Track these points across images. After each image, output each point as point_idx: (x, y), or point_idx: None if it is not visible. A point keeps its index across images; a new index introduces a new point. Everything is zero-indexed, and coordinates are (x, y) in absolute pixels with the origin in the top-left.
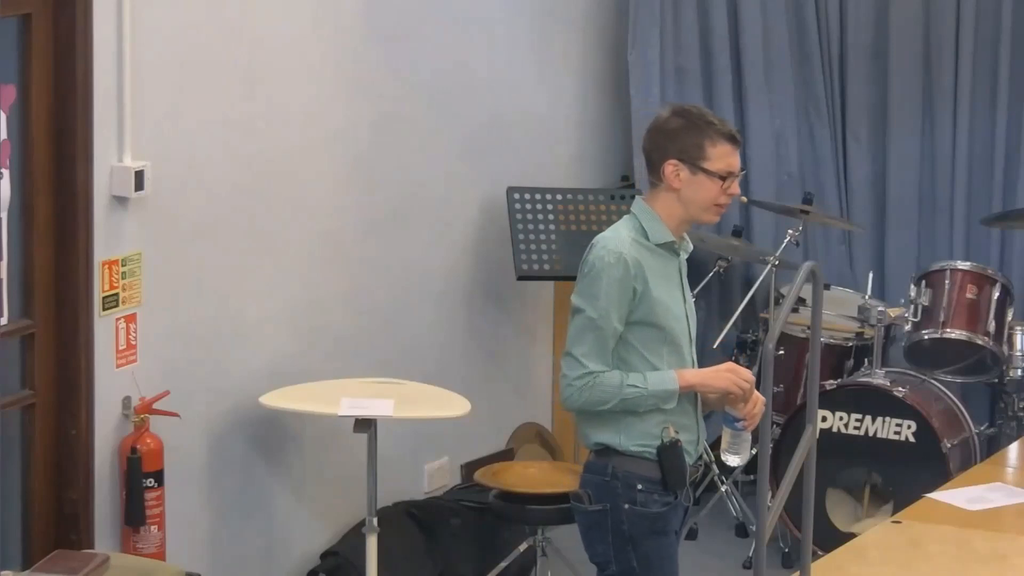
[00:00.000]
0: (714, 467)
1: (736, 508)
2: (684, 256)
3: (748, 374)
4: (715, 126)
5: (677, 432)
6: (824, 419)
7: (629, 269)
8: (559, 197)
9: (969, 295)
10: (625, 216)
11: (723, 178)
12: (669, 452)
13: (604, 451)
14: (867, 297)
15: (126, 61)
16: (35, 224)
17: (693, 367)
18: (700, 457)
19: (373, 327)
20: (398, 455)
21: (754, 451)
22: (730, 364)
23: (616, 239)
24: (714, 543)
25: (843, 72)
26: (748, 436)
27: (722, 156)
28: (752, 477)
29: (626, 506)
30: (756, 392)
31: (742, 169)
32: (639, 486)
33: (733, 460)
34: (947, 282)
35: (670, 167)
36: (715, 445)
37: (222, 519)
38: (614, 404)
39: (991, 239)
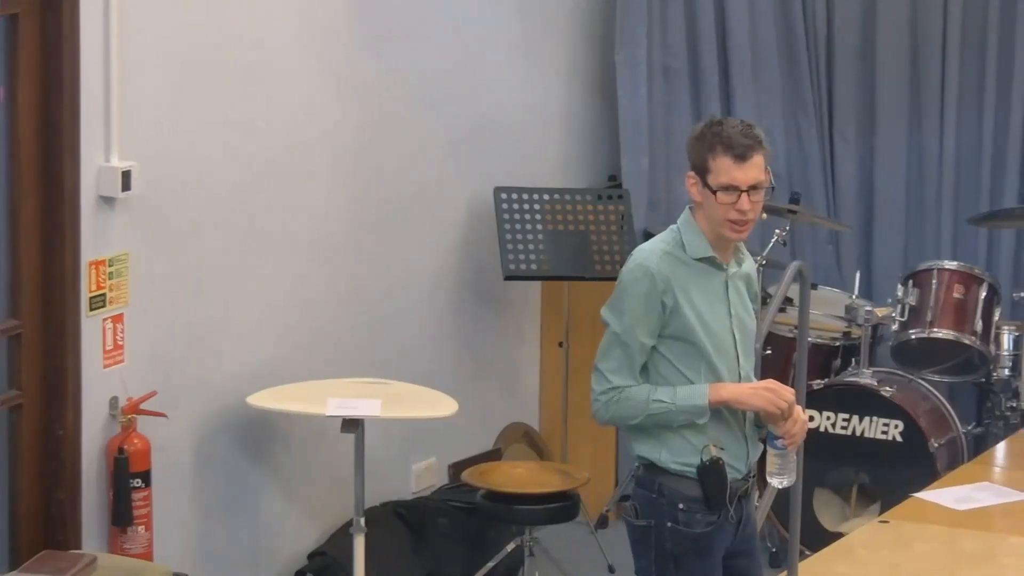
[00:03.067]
0: None
1: None
2: (736, 270)
3: (788, 393)
4: (720, 138)
5: (721, 449)
6: (811, 419)
7: (656, 284)
8: (546, 197)
9: (956, 295)
10: (672, 226)
11: (726, 192)
12: (710, 471)
13: (651, 467)
14: (854, 297)
15: (113, 61)
16: (22, 224)
17: (740, 382)
18: (750, 473)
19: (360, 327)
20: (386, 455)
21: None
22: (770, 382)
23: (648, 252)
24: None
25: (830, 72)
26: (793, 456)
27: (723, 170)
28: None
29: (669, 524)
30: (798, 410)
31: (770, 187)
32: (681, 505)
33: (775, 482)
34: (934, 282)
35: (689, 180)
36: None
37: (210, 519)
38: (642, 419)
39: (978, 238)
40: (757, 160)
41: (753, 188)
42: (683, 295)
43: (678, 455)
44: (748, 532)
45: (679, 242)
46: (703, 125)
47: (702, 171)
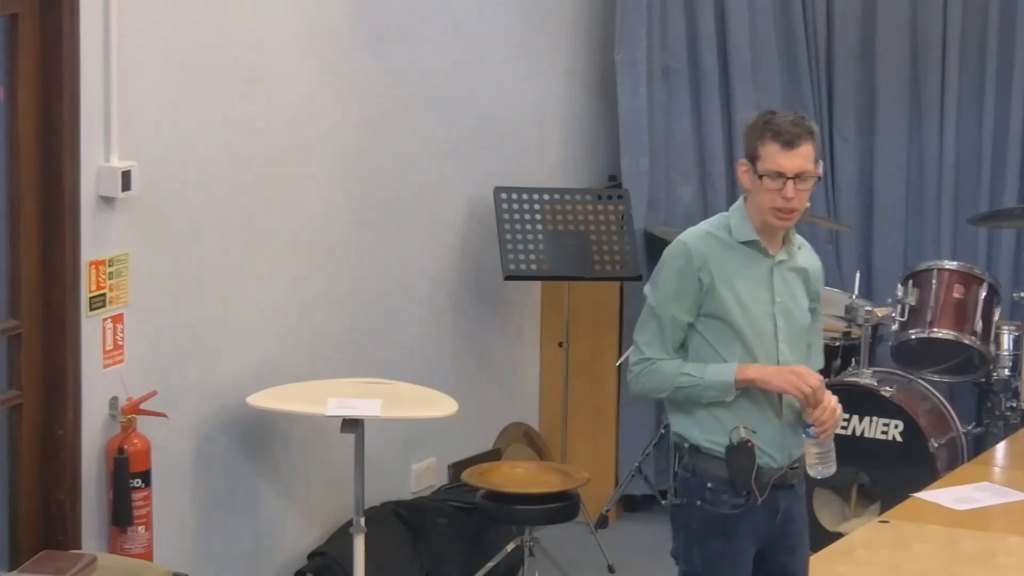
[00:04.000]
0: None
1: None
2: (786, 260)
3: (814, 379)
4: (770, 126)
5: (753, 432)
6: None
7: (692, 260)
8: (546, 197)
9: (956, 295)
10: (724, 212)
11: (772, 179)
12: (737, 452)
13: (689, 446)
14: (854, 297)
15: (113, 61)
16: (22, 224)
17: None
18: (792, 465)
19: (360, 327)
20: (385, 455)
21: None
22: (798, 367)
23: (691, 232)
24: None
25: (830, 72)
26: (829, 446)
27: (770, 157)
28: None
29: (698, 503)
30: (829, 398)
31: (818, 177)
32: (709, 484)
33: (813, 472)
34: (934, 282)
35: (741, 167)
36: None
37: (209, 519)
38: (670, 392)
39: (978, 238)
40: (805, 150)
41: (799, 177)
42: (721, 275)
43: (708, 433)
44: (792, 527)
45: (726, 225)
46: (757, 114)
47: (752, 158)
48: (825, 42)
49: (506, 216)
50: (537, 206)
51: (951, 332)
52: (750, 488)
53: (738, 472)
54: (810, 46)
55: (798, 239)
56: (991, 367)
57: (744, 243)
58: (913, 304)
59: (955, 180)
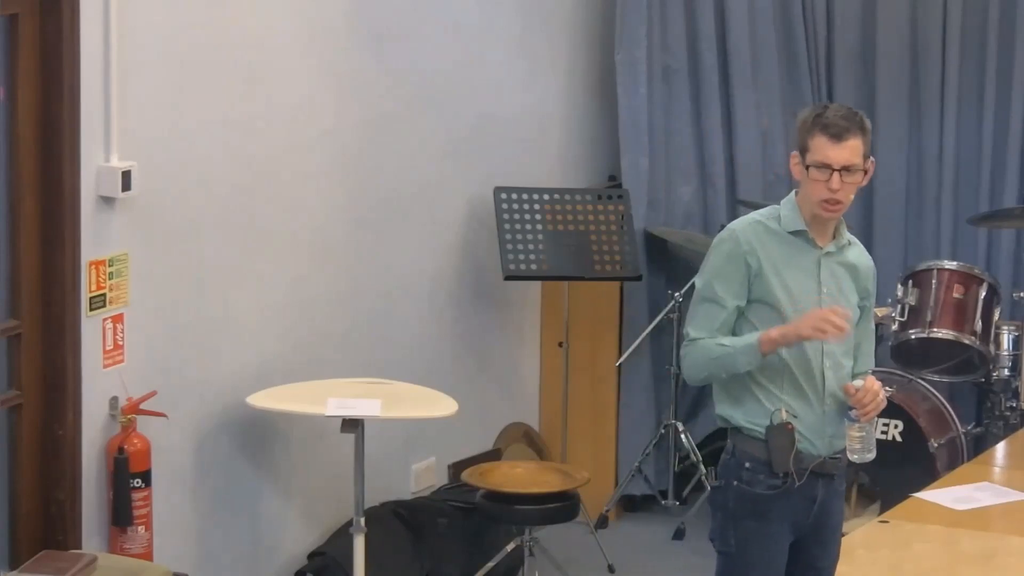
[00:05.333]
0: (701, 467)
1: None
2: (834, 252)
3: (837, 318)
4: (820, 118)
5: (794, 416)
6: None
7: (740, 245)
8: (546, 197)
9: (956, 295)
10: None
11: (819, 170)
12: (776, 432)
13: (731, 429)
14: None
15: (113, 61)
16: (22, 224)
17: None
18: (835, 456)
19: (360, 327)
20: (385, 455)
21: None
22: (823, 309)
23: (740, 220)
24: (703, 543)
25: (830, 72)
26: (870, 430)
27: (818, 148)
28: None
29: (735, 483)
30: (872, 381)
31: (861, 170)
32: (747, 464)
33: (854, 458)
34: (934, 282)
35: (792, 159)
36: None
37: (209, 519)
38: (709, 367)
39: (978, 238)
40: (853, 143)
41: (846, 169)
42: (768, 261)
43: (751, 415)
44: (827, 521)
45: (776, 216)
46: (811, 107)
47: (803, 150)
48: (825, 42)
49: (506, 216)
50: (537, 206)
51: (951, 332)
52: (788, 470)
53: (776, 452)
54: (810, 46)
55: (848, 235)
56: (991, 367)
57: (792, 233)
58: (913, 304)
59: (955, 180)
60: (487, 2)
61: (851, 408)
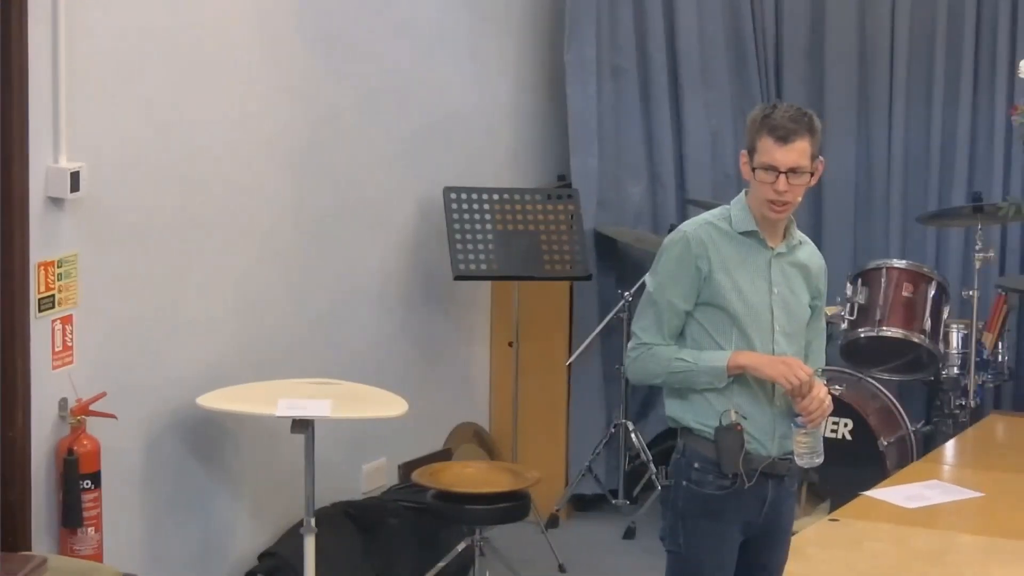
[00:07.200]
0: (651, 466)
1: None
2: (785, 253)
3: (803, 372)
4: (768, 120)
5: (744, 418)
6: None
7: (690, 248)
8: (495, 197)
9: (905, 293)
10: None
11: (766, 172)
12: (725, 433)
13: (683, 430)
14: None
15: (61, 62)
16: None
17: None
18: (784, 456)
19: (310, 328)
20: (335, 455)
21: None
22: (789, 358)
23: (691, 221)
24: (653, 542)
25: (779, 71)
26: (817, 436)
27: (765, 150)
28: None
29: (684, 483)
30: (819, 388)
31: (808, 171)
32: (696, 464)
33: (802, 462)
34: (883, 280)
35: (742, 159)
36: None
37: (159, 520)
38: (665, 378)
39: (927, 237)
40: (800, 145)
41: (792, 171)
42: (719, 263)
43: (700, 416)
44: (777, 521)
45: (727, 216)
46: (760, 107)
47: (751, 150)
48: (774, 41)
49: (455, 216)
50: (487, 206)
51: (900, 331)
52: (737, 471)
53: (725, 453)
54: (759, 45)
55: (799, 235)
56: (940, 365)
57: (743, 233)
58: (862, 303)
59: (904, 179)
60: (436, 2)
61: (797, 415)
